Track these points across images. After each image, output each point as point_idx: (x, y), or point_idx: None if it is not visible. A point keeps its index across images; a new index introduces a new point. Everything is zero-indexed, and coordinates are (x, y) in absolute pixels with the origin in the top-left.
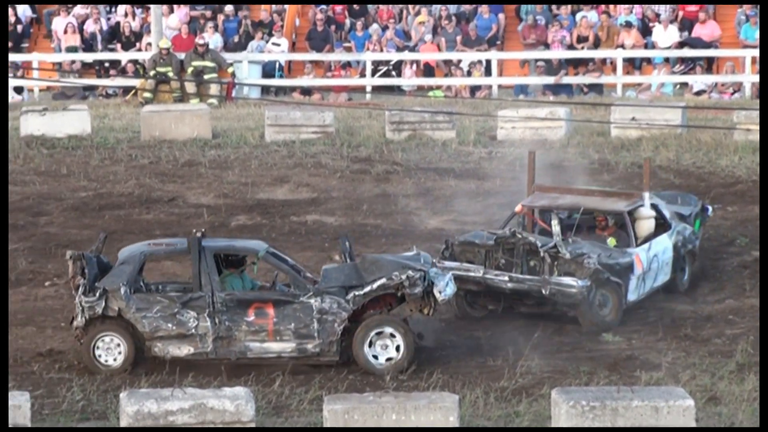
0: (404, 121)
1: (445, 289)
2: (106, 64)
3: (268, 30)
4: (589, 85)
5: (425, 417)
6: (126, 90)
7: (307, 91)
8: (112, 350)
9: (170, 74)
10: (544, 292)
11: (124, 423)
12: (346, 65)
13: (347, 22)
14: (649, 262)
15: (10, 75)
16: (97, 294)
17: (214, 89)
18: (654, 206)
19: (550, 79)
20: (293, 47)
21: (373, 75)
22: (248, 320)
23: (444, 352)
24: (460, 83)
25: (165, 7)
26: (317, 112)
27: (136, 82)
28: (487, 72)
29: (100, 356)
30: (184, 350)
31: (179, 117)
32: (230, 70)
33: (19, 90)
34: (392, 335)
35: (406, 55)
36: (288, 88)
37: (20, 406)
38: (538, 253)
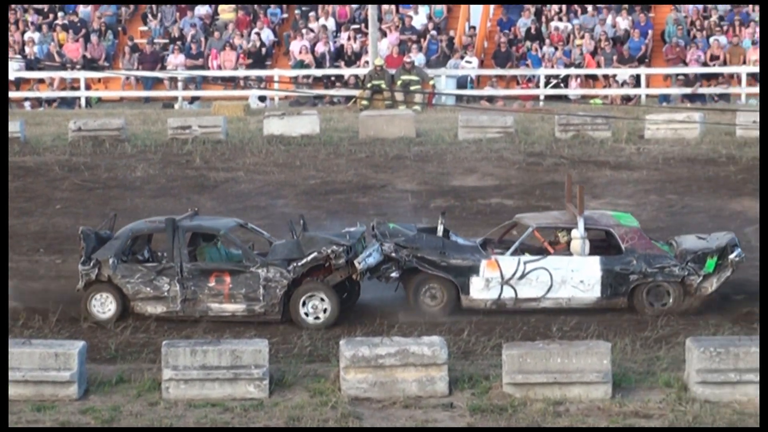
0: (570, 123)
1: (365, 259)
2: (332, 78)
3: (463, 50)
4: (719, 95)
5: (584, 361)
6: (348, 99)
7: (490, 99)
8: (105, 305)
9: (383, 86)
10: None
11: (342, 365)
12: (526, 78)
13: (526, 44)
14: (519, 271)
15: (256, 87)
16: (91, 263)
17: (418, 98)
18: (607, 232)
19: (688, 90)
20: (482, 64)
21: (545, 86)
22: (209, 286)
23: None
24: (615, 93)
25: (378, 33)
26: (500, 116)
27: (356, 93)
28: (637, 84)
29: (96, 310)
30: (158, 309)
31: (390, 120)
32: (431, 82)
33: (262, 98)
34: (321, 299)
35: (572, 71)
36: (477, 97)
37: (260, 350)
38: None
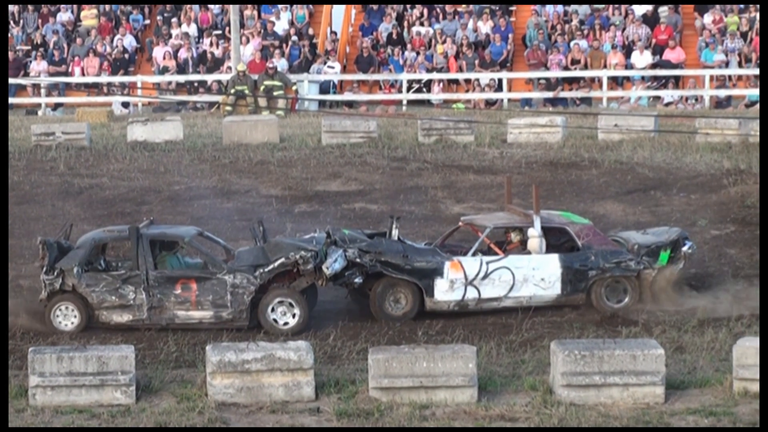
0: (433, 128)
1: (332, 264)
2: (196, 84)
3: (325, 55)
4: (580, 99)
5: (449, 364)
6: (211, 104)
7: (350, 104)
8: (68, 316)
9: (246, 91)
10: None
11: (209, 370)
12: (389, 83)
13: (388, 49)
14: (482, 271)
15: (120, 93)
16: (55, 273)
17: (281, 103)
18: (562, 230)
19: (549, 94)
20: (344, 69)
21: (408, 91)
22: (176, 293)
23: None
24: (477, 97)
25: (241, 38)
26: (363, 121)
27: (219, 98)
28: (499, 88)
29: (59, 321)
30: (124, 317)
31: (253, 125)
32: (294, 87)
33: (126, 105)
34: (290, 304)
35: (435, 75)
36: (340, 102)
37: (127, 356)
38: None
